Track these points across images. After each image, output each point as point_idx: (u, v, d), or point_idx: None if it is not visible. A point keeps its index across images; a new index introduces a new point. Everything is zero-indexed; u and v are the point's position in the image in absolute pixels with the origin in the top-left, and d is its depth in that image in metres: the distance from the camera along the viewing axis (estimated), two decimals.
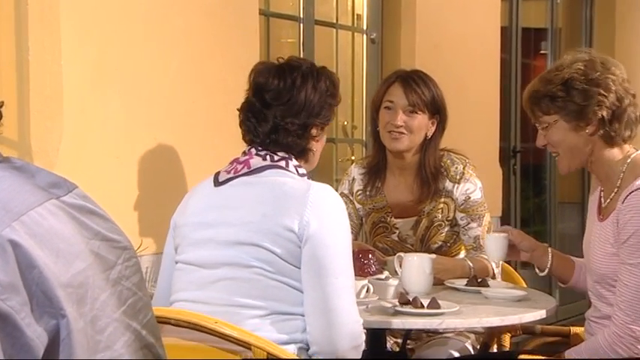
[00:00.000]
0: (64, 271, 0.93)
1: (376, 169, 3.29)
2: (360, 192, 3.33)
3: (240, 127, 2.42)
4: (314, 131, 2.41)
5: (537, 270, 2.85)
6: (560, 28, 7.21)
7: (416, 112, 3.16)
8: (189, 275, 2.33)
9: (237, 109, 2.43)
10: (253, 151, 2.38)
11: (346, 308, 2.24)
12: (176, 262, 2.38)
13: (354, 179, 3.35)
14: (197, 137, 3.47)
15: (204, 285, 2.29)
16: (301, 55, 4.31)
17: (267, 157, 2.36)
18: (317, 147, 2.46)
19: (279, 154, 2.36)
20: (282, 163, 2.35)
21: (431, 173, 3.19)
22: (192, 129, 3.45)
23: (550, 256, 2.82)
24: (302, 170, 2.37)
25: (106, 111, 3.09)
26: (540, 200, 7.10)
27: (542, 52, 7.21)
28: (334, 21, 4.80)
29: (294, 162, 2.37)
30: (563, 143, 2.63)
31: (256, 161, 2.35)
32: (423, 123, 3.18)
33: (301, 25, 4.44)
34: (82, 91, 3.00)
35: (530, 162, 6.90)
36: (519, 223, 6.52)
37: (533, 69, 6.94)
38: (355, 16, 5.05)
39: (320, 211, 2.23)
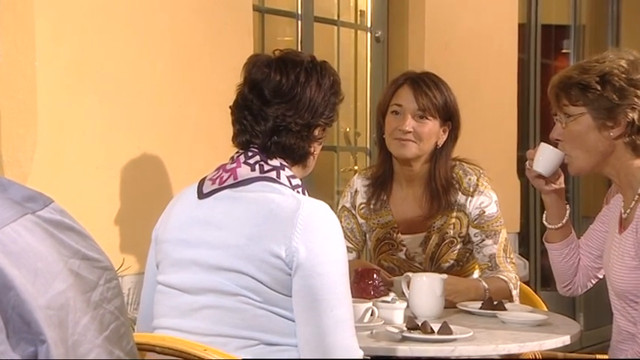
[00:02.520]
0: (42, 293, 0.92)
1: (382, 180, 3.29)
2: (363, 205, 3.33)
3: (233, 126, 2.40)
4: (317, 132, 2.40)
5: (545, 222, 2.91)
6: (583, 25, 7.23)
7: (426, 118, 3.17)
8: (172, 300, 2.32)
9: (230, 107, 2.42)
10: (242, 158, 2.35)
11: (344, 344, 2.22)
12: (157, 282, 2.38)
13: (357, 191, 3.36)
14: (184, 145, 3.48)
15: (188, 312, 2.28)
16: None
17: (257, 166, 2.33)
18: (318, 150, 2.45)
19: (271, 162, 2.33)
20: (273, 174, 2.32)
21: (441, 185, 3.20)
22: (179, 136, 3.45)
23: (567, 214, 2.88)
24: (295, 181, 2.34)
25: (85, 117, 3.10)
26: None
27: (564, 51, 7.23)
28: (335, 18, 4.81)
29: (287, 172, 2.33)
30: (582, 141, 2.64)
31: (244, 171, 2.33)
32: (433, 130, 3.18)
33: (299, 22, 4.45)
34: (59, 96, 3.01)
35: None
36: (539, 239, 6.51)
37: (554, 70, 6.95)
38: (358, 13, 5.06)
39: (311, 235, 2.20)
